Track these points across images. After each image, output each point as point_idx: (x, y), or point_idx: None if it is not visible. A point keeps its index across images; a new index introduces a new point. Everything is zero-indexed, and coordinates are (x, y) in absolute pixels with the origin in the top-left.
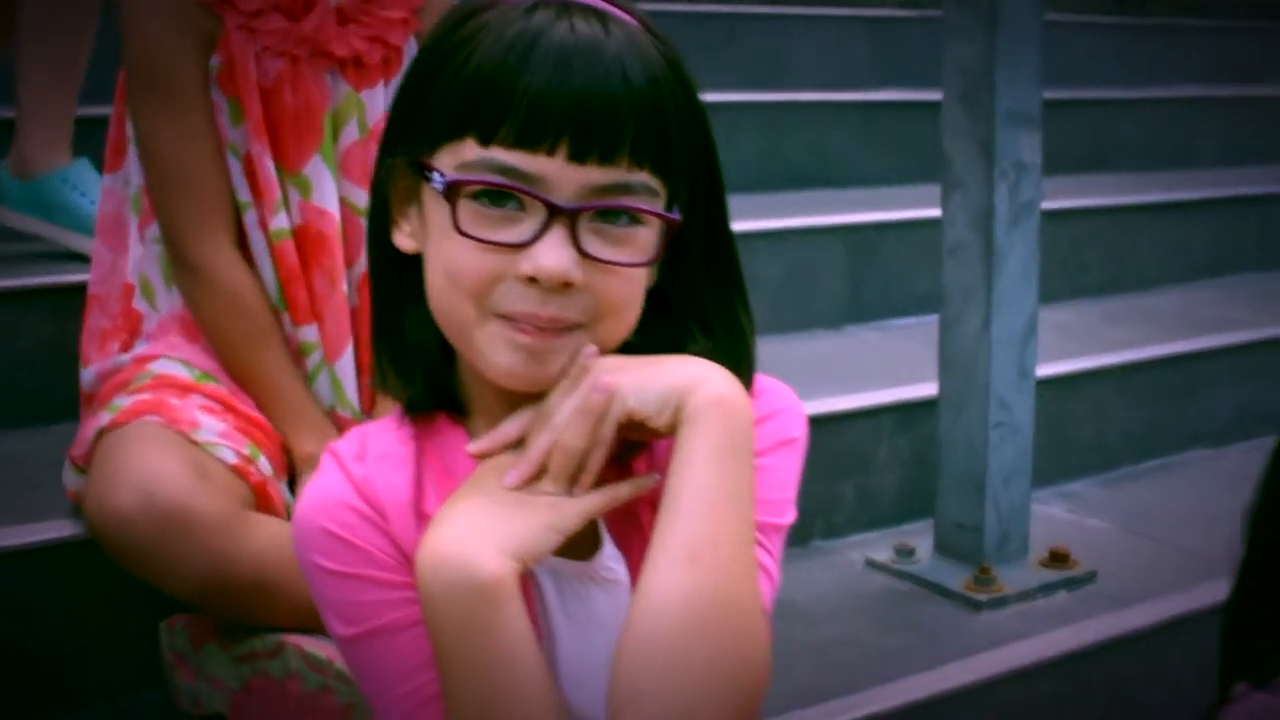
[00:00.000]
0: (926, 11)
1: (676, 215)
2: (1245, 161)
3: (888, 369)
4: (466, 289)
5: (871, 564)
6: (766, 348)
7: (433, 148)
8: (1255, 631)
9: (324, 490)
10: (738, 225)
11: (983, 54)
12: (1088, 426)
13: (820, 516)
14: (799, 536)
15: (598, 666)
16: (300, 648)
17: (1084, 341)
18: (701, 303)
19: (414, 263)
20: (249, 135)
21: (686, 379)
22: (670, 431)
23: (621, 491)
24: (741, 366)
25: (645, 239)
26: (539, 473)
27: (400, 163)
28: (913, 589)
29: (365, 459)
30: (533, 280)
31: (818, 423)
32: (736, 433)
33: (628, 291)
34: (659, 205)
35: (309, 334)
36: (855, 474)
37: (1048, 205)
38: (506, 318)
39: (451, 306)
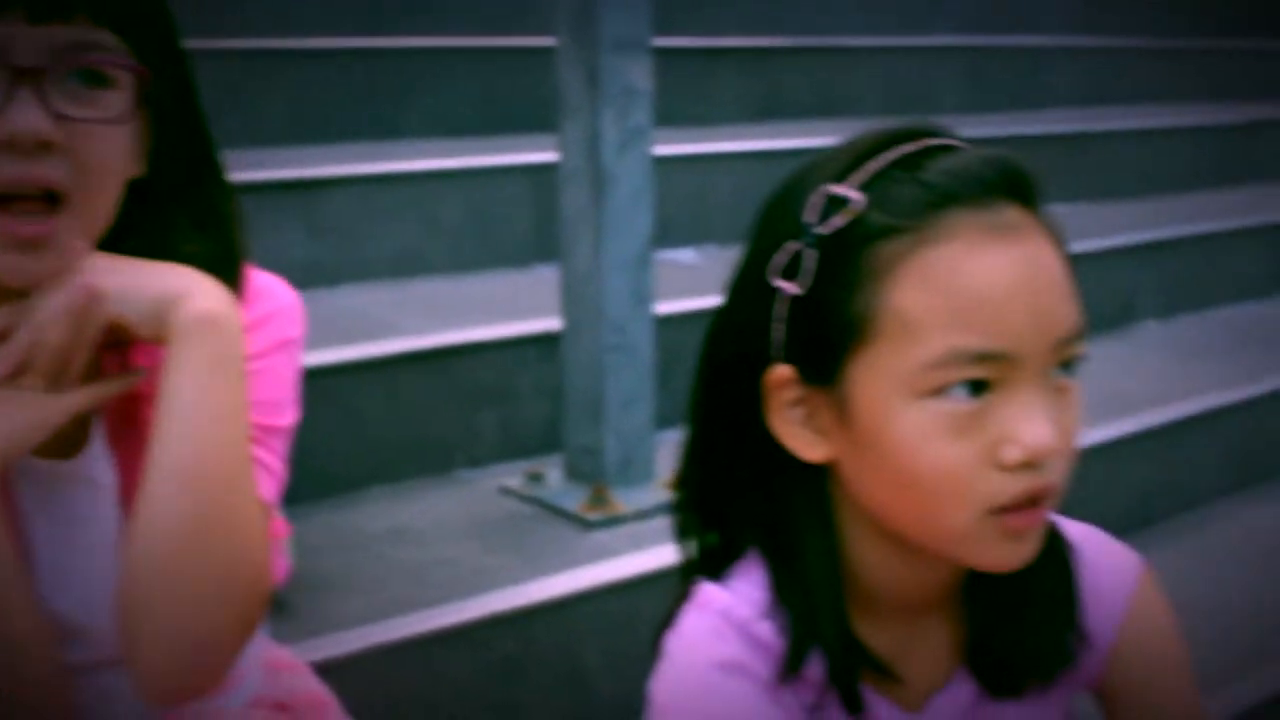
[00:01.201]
0: None
1: (138, 66)
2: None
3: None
4: None
5: (504, 490)
6: (449, 286)
7: None
8: (702, 526)
9: None
10: (417, 164)
11: None
12: None
13: (462, 447)
14: (440, 466)
15: (81, 570)
16: None
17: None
18: (186, 192)
19: None
20: None
21: (173, 290)
22: (158, 341)
23: (107, 389)
24: (231, 264)
25: (118, 101)
26: (22, 369)
27: None
28: (537, 512)
29: None
30: (10, 147)
31: (457, 353)
32: (224, 347)
33: (108, 153)
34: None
35: None
36: (498, 405)
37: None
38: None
39: None
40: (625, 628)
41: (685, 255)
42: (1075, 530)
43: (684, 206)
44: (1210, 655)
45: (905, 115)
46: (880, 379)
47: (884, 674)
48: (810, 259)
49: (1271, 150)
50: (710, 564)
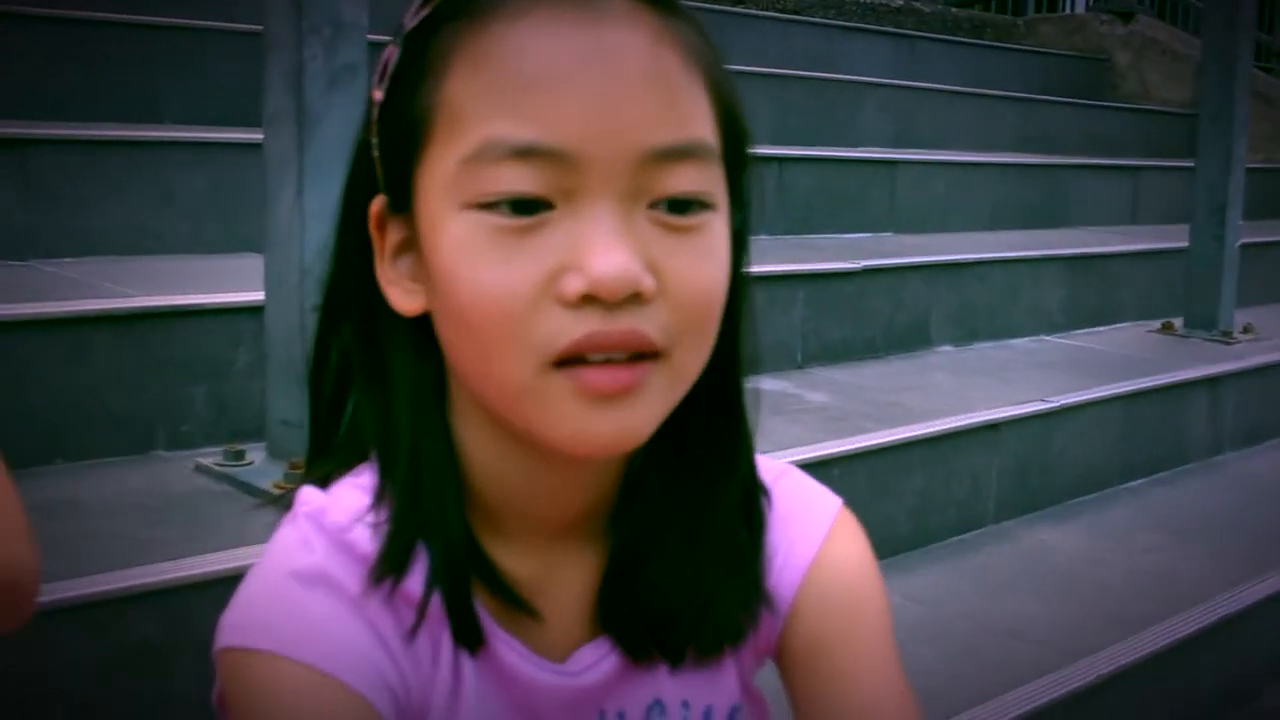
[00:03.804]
0: None
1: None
2: None
3: None
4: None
5: (198, 468)
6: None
7: None
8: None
9: None
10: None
11: None
12: None
13: (165, 425)
14: (137, 444)
15: None
16: None
17: None
18: None
19: None
20: None
21: None
22: None
23: None
24: None
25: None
26: None
27: None
28: (229, 491)
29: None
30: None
31: (157, 317)
32: None
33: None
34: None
35: None
36: (208, 380)
37: None
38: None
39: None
40: None
41: None
42: (766, 467)
43: None
44: (973, 675)
45: None
46: (432, 189)
47: (511, 602)
48: (393, 59)
49: (1081, 198)
50: (323, 473)
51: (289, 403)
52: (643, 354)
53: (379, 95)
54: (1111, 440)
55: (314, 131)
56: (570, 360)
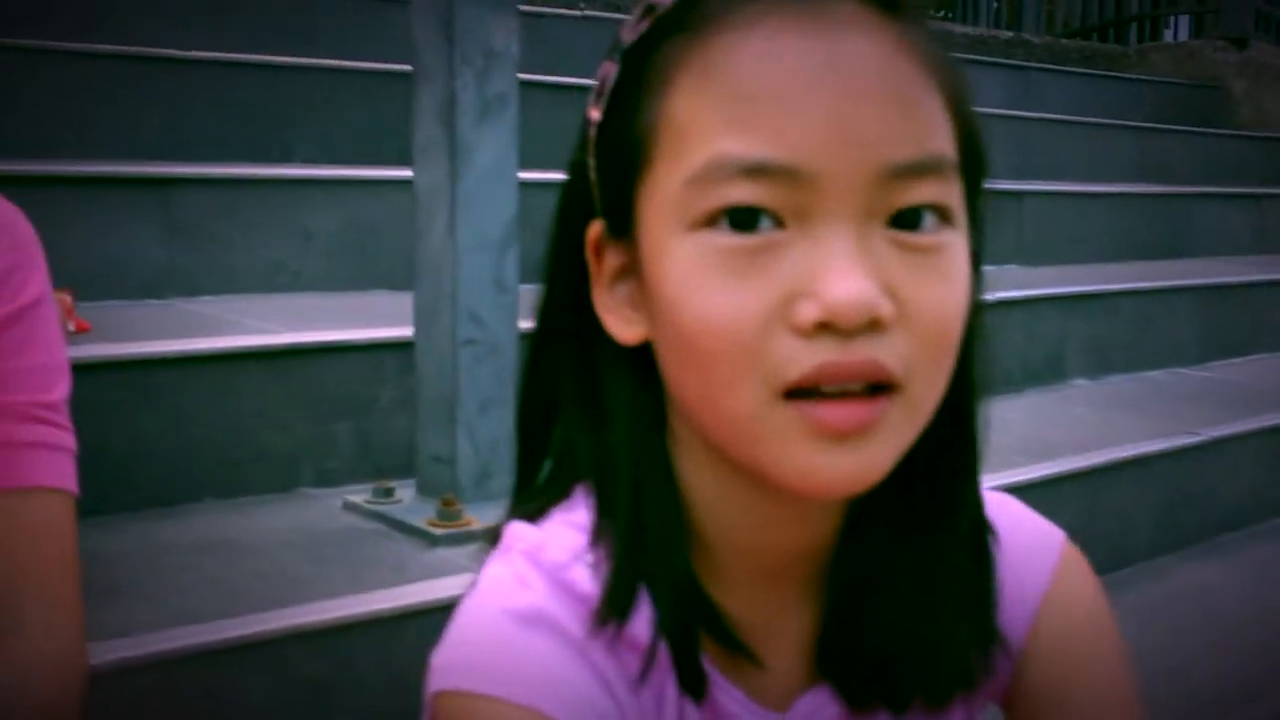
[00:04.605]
0: None
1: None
2: None
3: None
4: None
5: (347, 505)
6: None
7: None
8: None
9: None
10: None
11: None
12: None
13: (310, 461)
14: (284, 481)
15: None
16: None
17: None
18: None
19: None
20: None
21: None
22: None
23: None
24: None
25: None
26: None
27: None
28: (381, 528)
29: None
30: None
31: (303, 354)
32: None
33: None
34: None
35: None
36: (353, 417)
37: None
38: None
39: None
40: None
41: None
42: (986, 497)
43: None
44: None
45: None
46: (657, 211)
47: (734, 649)
48: (611, 76)
49: (1203, 227)
50: (533, 508)
51: (440, 439)
52: (879, 386)
53: (596, 114)
54: (1265, 473)
55: (466, 162)
56: (801, 392)
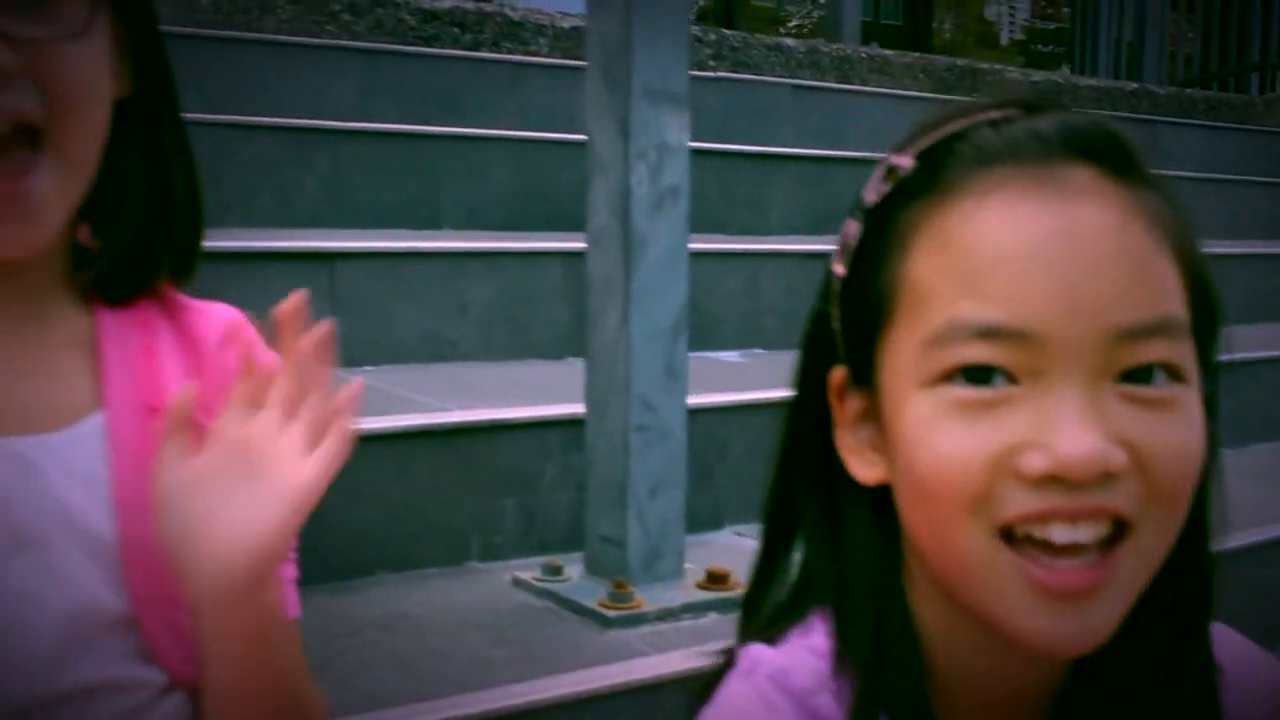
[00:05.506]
0: None
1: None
2: None
3: None
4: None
5: (517, 582)
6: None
7: None
8: (763, 603)
9: None
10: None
11: (622, 24)
12: None
13: (478, 536)
14: (453, 555)
15: None
16: None
17: None
18: (170, 117)
19: None
20: None
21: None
22: None
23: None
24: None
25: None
26: None
27: None
28: (551, 607)
29: None
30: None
31: (473, 432)
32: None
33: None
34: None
35: None
36: (519, 493)
37: None
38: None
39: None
40: None
41: (729, 356)
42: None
43: (731, 305)
44: None
45: None
46: (897, 365)
47: None
48: (854, 234)
49: None
50: (765, 629)
51: (611, 521)
52: (1112, 539)
53: (840, 270)
54: None
55: (640, 255)
56: (1028, 539)
